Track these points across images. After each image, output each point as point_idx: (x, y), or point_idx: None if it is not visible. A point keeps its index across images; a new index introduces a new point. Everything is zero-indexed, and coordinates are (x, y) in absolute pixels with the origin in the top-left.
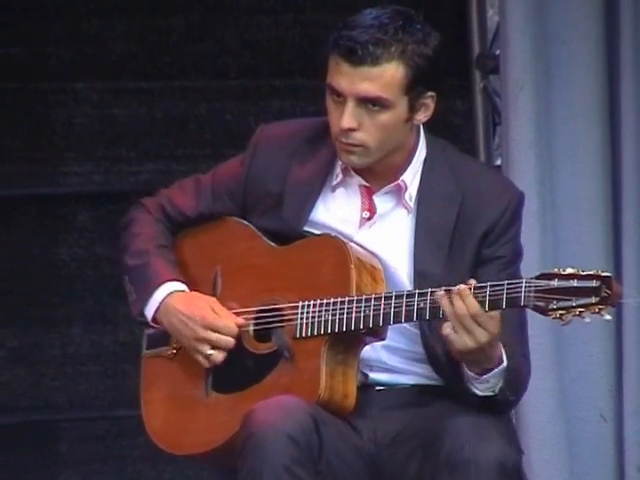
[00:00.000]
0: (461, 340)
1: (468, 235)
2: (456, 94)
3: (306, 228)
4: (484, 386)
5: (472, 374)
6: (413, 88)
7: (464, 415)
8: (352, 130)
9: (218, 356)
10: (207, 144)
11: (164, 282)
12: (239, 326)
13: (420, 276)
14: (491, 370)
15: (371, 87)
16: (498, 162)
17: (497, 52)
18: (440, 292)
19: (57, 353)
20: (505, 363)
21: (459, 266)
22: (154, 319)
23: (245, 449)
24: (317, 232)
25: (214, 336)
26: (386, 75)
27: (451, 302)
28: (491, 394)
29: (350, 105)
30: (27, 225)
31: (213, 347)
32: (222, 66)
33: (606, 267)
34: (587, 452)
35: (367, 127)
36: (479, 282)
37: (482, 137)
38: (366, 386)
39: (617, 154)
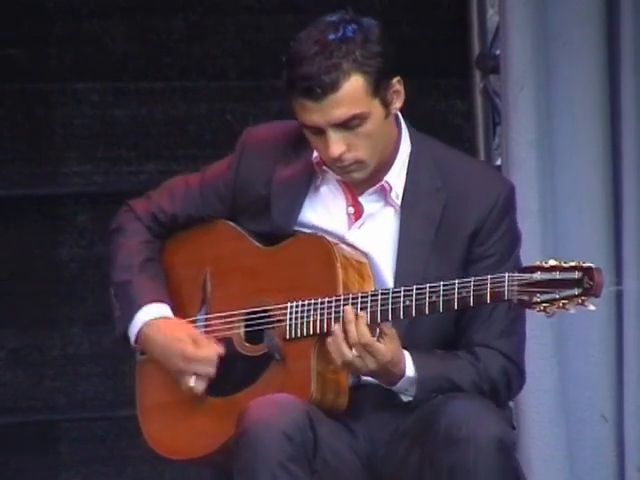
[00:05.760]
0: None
1: (455, 233)
2: (456, 94)
3: (296, 229)
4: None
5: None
6: (379, 87)
7: (459, 399)
8: (342, 154)
9: (199, 388)
10: (207, 145)
11: (145, 304)
12: (219, 355)
13: (402, 275)
14: (394, 384)
15: (342, 111)
16: (498, 162)
17: (497, 52)
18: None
19: (57, 354)
20: (407, 375)
21: (445, 264)
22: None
23: (239, 446)
24: (307, 231)
25: (193, 368)
26: (350, 93)
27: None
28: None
29: (331, 134)
30: (27, 225)
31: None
32: (222, 67)
33: (607, 266)
34: (588, 452)
35: (355, 144)
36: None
37: (482, 137)
38: (358, 387)
39: (618, 154)
